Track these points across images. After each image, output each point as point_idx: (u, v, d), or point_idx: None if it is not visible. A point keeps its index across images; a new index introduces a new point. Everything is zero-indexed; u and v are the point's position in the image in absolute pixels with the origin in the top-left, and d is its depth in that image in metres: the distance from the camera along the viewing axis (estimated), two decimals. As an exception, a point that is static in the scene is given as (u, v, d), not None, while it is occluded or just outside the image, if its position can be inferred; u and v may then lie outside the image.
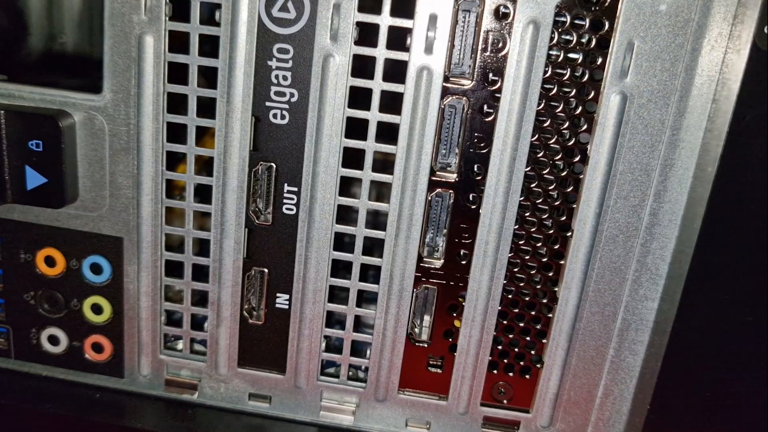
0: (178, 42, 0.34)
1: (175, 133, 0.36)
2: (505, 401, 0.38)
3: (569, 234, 0.35)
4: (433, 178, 0.35)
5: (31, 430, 0.40)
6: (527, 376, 0.38)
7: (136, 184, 0.37)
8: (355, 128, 0.35)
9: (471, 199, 0.35)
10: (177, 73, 0.35)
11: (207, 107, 0.35)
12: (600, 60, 0.32)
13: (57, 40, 0.45)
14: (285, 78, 0.34)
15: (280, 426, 0.40)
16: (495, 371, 0.38)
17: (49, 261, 0.39)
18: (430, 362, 0.38)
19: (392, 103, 0.34)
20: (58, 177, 0.36)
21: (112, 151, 0.36)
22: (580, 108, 0.33)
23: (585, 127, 0.33)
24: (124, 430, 0.39)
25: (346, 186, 0.36)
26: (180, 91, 0.35)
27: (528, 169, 0.34)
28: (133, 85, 0.35)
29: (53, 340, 0.40)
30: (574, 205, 0.35)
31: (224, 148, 0.35)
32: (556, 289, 0.36)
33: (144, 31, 0.34)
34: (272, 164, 0.36)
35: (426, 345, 0.38)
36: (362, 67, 0.34)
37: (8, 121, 0.35)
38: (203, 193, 0.37)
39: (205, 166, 0.37)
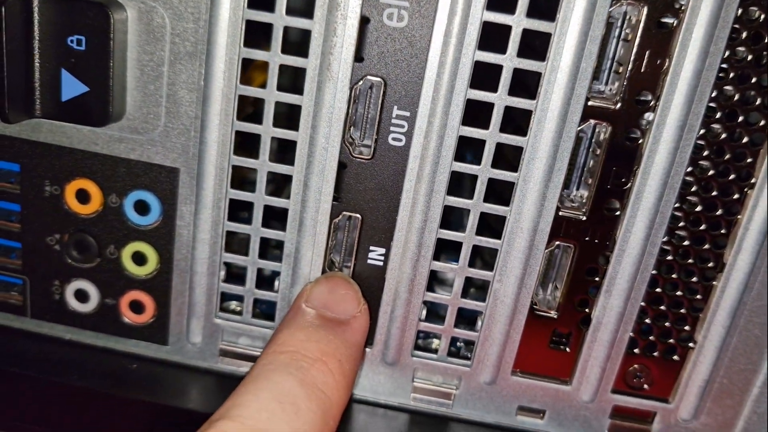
0: None
1: (255, 35, 0.28)
2: (642, 387, 0.31)
3: (751, 182, 0.28)
4: (590, 104, 0.27)
5: (50, 406, 0.32)
6: (674, 358, 0.31)
7: (201, 100, 0.29)
8: (490, 38, 0.27)
9: (632, 135, 0.28)
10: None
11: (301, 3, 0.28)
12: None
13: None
14: (408, -33, 0.26)
15: (362, 411, 0.32)
16: (635, 351, 0.31)
17: (82, 196, 0.31)
18: (554, 338, 0.31)
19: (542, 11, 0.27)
20: (102, 85, 0.28)
21: (174, 56, 0.28)
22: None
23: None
24: (165, 409, 0.32)
25: (473, 114, 0.29)
26: (267, -21, 0.27)
27: (713, 95, 0.27)
28: (207, -32, 0.27)
29: (81, 295, 0.32)
30: (760, 148, 0.28)
31: (320, 56, 0.28)
32: (723, 251, 0.29)
33: None
34: (380, 80, 0.28)
35: (553, 316, 0.31)
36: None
37: (43, 9, 0.27)
38: (285, 116, 0.29)
39: (292, 80, 0.29)
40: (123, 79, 0.29)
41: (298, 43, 0.29)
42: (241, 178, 0.31)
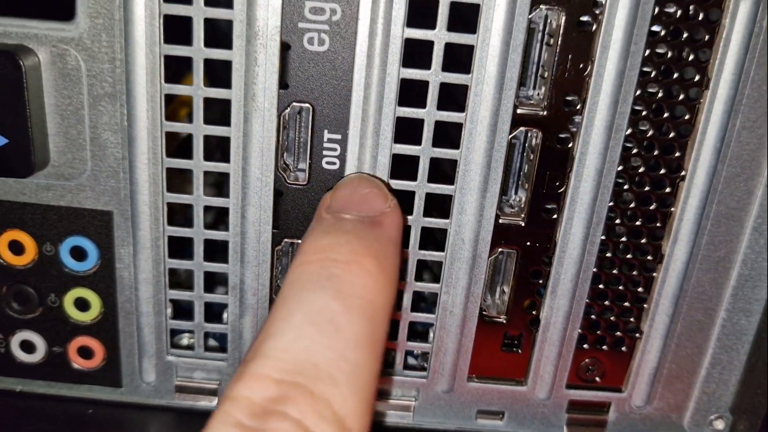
0: (177, -55, 0.26)
1: (176, 69, 0.28)
2: (595, 380, 0.32)
3: (682, 174, 0.28)
4: (519, 112, 0.27)
5: (6, 461, 0.32)
6: (622, 349, 0.31)
7: (126, 141, 0.28)
8: (414, 54, 0.27)
9: (562, 138, 0.28)
10: (176, -10, 0.26)
11: (218, 33, 0.27)
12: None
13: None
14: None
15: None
16: (585, 346, 0.31)
17: (16, 247, 0.30)
18: (506, 341, 0.32)
19: (462, 21, 0.27)
20: (22, 135, 0.27)
21: (93, 98, 0.28)
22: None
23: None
24: (126, 451, 0.31)
25: (404, 131, 0.29)
26: (181, 12, 0.26)
27: (638, 94, 0.27)
28: (117, 6, 0.26)
29: (27, 346, 0.32)
30: (687, 140, 0.28)
31: (244, 87, 0.27)
32: (661, 243, 0.30)
33: (130, -68, 0.25)
34: (308, 105, 0.28)
35: (503, 321, 0.31)
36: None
37: (-52, 61, 0.26)
38: (215, 150, 0.29)
39: (219, 112, 0.29)
40: (43, 126, 0.28)
41: (222, 73, 0.28)
42: (179, 212, 0.31)
